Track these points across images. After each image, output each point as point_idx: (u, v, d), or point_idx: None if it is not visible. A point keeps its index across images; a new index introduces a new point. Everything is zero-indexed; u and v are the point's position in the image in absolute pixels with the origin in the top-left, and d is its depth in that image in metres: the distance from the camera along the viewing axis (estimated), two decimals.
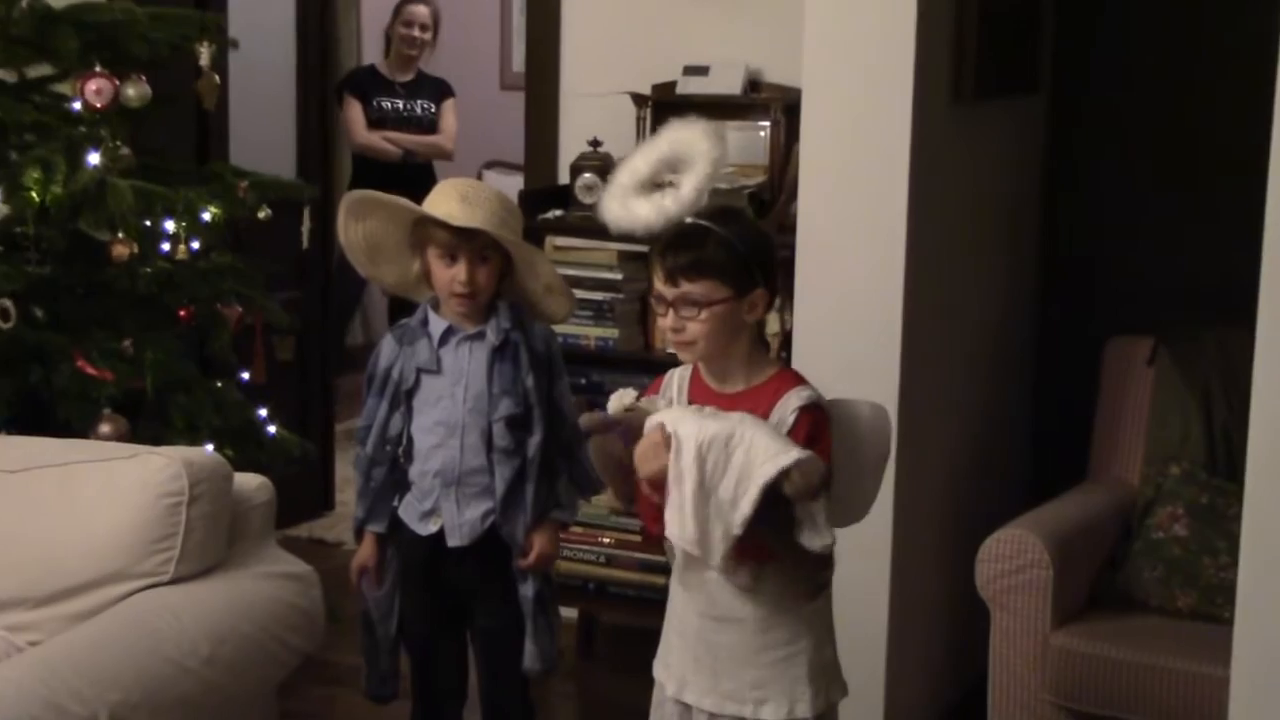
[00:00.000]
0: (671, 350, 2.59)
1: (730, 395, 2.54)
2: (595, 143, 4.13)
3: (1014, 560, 3.46)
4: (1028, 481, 4.26)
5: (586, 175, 4.07)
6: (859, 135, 3.51)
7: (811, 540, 2.41)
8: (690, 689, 2.61)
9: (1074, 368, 4.16)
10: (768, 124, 4.05)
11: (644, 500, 2.57)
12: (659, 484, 2.49)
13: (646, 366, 4.04)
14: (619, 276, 4.02)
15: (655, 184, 2.56)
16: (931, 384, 3.69)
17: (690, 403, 2.58)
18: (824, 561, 2.49)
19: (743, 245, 2.48)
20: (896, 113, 3.45)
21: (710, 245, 2.47)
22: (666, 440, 2.44)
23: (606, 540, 4.13)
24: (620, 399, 2.60)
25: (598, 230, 3.94)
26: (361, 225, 3.00)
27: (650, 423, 2.49)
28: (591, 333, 4.04)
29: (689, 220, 2.49)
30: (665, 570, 3.99)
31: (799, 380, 2.54)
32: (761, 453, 2.36)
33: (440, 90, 6.43)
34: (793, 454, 2.35)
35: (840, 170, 3.53)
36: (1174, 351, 3.84)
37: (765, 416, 2.47)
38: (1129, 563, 3.65)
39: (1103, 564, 3.66)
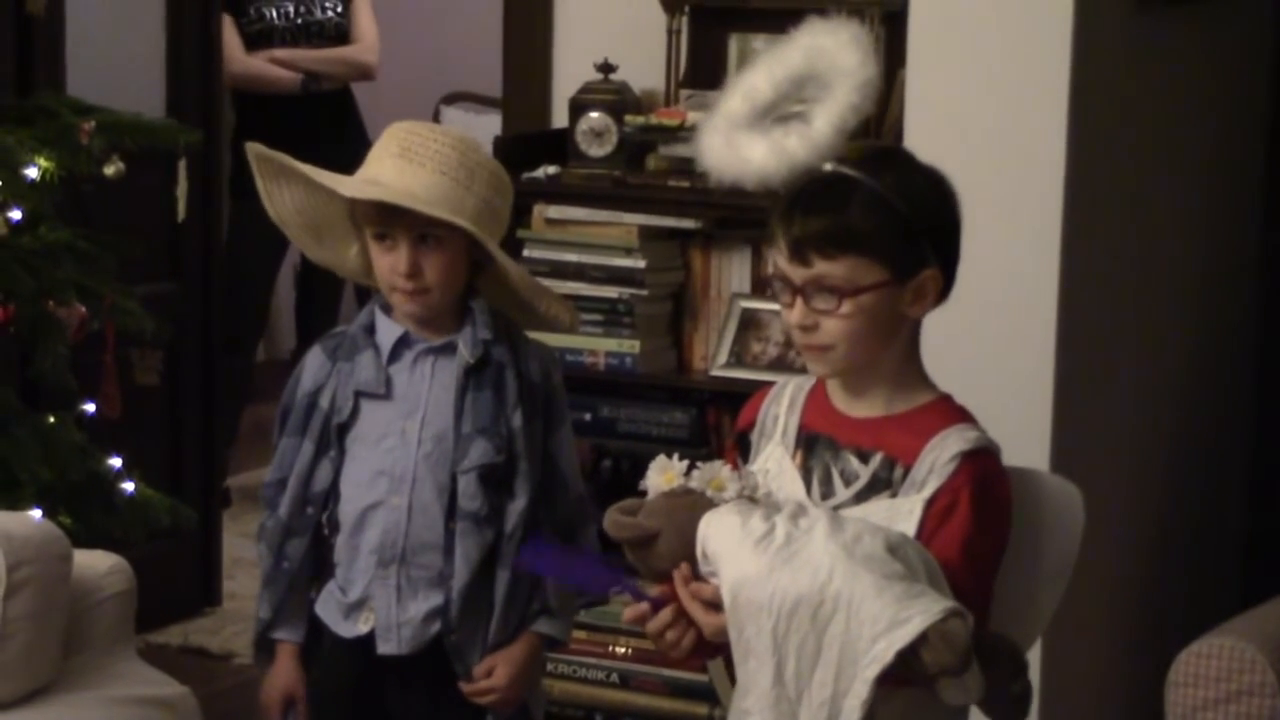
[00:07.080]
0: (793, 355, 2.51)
1: (863, 421, 2.52)
2: (606, 67, 4.13)
3: (1224, 684, 3.43)
4: (1243, 567, 4.24)
5: (594, 115, 4.07)
6: (994, 57, 3.50)
7: (953, 694, 2.36)
8: None
9: None
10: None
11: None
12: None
13: (681, 396, 4.02)
14: (642, 264, 4.02)
15: (780, 115, 2.54)
16: (1097, 422, 3.68)
17: (803, 427, 2.55)
18: (1015, 667, 2.44)
19: (906, 203, 2.46)
20: (1052, 24, 3.45)
21: (857, 205, 2.45)
22: (703, 599, 2.38)
23: (621, 650, 4.11)
24: (661, 472, 2.50)
25: (609, 196, 4.01)
26: (288, 193, 3.00)
27: (703, 529, 2.40)
28: (600, 346, 4.03)
29: (827, 167, 2.48)
30: (708, 695, 4.03)
31: (963, 414, 2.52)
32: (869, 623, 2.30)
33: None
34: (914, 622, 2.28)
35: (965, 108, 3.53)
36: None
37: (909, 461, 2.45)
38: None
39: None
